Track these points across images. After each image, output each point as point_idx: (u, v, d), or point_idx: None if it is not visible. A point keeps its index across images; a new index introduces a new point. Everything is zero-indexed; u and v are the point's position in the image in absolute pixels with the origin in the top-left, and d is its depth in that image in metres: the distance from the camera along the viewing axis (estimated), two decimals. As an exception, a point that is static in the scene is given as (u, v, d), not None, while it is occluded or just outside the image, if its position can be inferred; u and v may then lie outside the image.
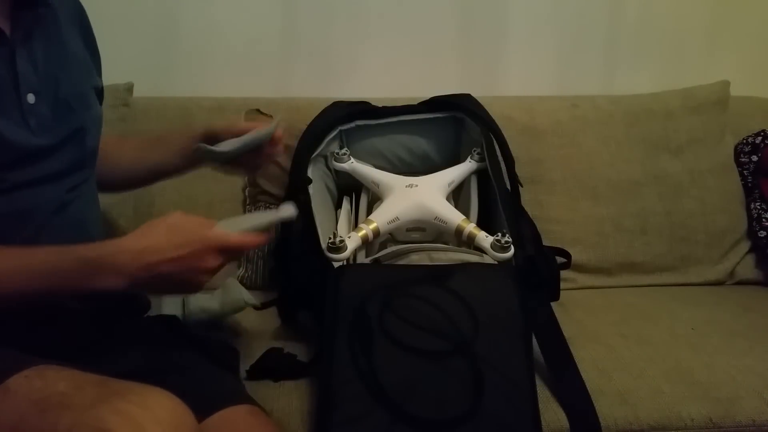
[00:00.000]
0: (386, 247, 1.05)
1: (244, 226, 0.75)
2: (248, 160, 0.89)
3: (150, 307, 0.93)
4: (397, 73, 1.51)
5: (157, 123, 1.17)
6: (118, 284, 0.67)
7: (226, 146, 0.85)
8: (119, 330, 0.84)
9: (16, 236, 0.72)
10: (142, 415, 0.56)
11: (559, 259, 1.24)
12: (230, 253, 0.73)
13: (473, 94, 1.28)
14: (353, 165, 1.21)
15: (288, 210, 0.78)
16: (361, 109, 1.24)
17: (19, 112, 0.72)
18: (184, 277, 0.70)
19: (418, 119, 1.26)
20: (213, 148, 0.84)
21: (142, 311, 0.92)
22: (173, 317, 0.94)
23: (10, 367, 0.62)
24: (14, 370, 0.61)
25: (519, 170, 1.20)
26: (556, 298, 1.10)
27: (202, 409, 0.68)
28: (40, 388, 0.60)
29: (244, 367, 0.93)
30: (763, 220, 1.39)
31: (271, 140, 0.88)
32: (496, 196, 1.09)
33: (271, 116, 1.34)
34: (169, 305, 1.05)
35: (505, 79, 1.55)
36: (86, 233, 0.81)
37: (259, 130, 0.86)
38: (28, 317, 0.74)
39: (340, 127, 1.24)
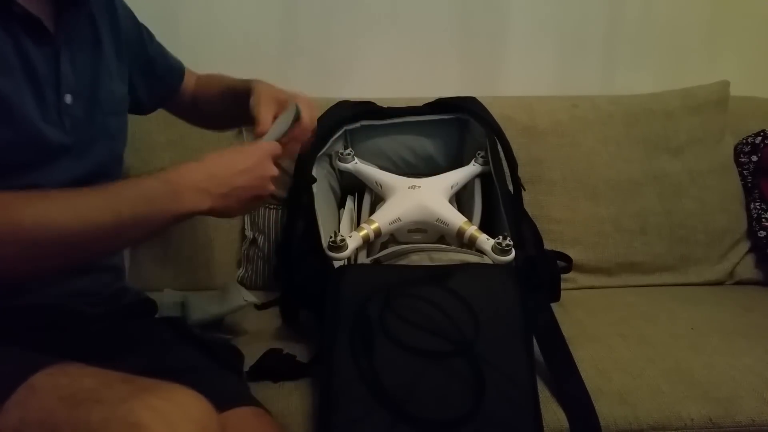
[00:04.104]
0: (387, 248, 1.05)
1: (274, 137, 0.82)
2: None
3: (157, 309, 0.94)
4: (397, 73, 1.51)
5: (156, 122, 1.17)
6: (202, 203, 0.69)
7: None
8: (127, 332, 0.84)
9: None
10: (173, 411, 0.56)
11: (560, 263, 1.24)
12: (278, 159, 0.79)
13: (473, 94, 1.28)
14: (357, 165, 1.20)
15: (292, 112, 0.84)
16: (367, 110, 1.24)
17: (56, 112, 0.73)
18: (255, 186, 0.74)
19: (422, 120, 1.26)
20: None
21: (150, 313, 0.92)
22: (177, 319, 0.95)
23: (32, 365, 0.62)
24: (36, 368, 0.61)
25: (519, 170, 1.20)
26: (557, 299, 1.11)
27: None
28: (66, 384, 0.60)
29: (243, 367, 0.93)
30: (763, 220, 1.39)
31: (298, 122, 0.87)
32: (498, 199, 1.09)
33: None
34: (169, 307, 1.05)
35: (505, 79, 1.54)
36: None
37: (283, 115, 0.87)
38: (40, 321, 0.74)
39: (345, 127, 1.24)
